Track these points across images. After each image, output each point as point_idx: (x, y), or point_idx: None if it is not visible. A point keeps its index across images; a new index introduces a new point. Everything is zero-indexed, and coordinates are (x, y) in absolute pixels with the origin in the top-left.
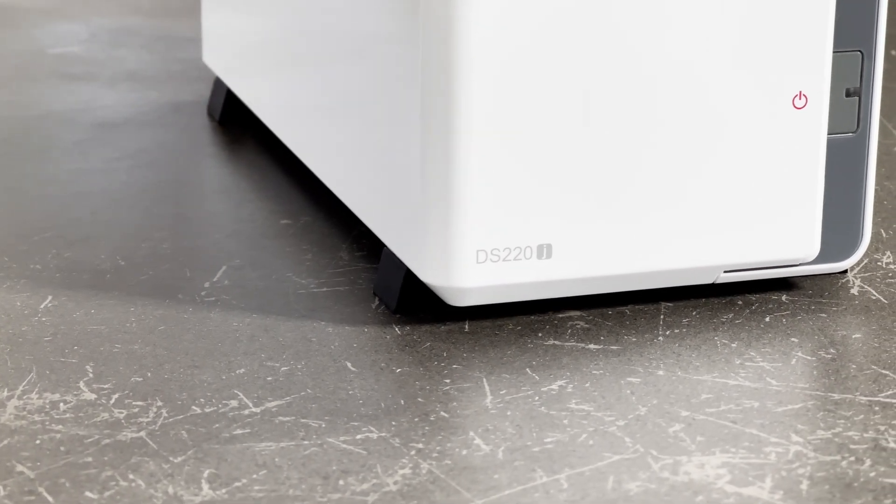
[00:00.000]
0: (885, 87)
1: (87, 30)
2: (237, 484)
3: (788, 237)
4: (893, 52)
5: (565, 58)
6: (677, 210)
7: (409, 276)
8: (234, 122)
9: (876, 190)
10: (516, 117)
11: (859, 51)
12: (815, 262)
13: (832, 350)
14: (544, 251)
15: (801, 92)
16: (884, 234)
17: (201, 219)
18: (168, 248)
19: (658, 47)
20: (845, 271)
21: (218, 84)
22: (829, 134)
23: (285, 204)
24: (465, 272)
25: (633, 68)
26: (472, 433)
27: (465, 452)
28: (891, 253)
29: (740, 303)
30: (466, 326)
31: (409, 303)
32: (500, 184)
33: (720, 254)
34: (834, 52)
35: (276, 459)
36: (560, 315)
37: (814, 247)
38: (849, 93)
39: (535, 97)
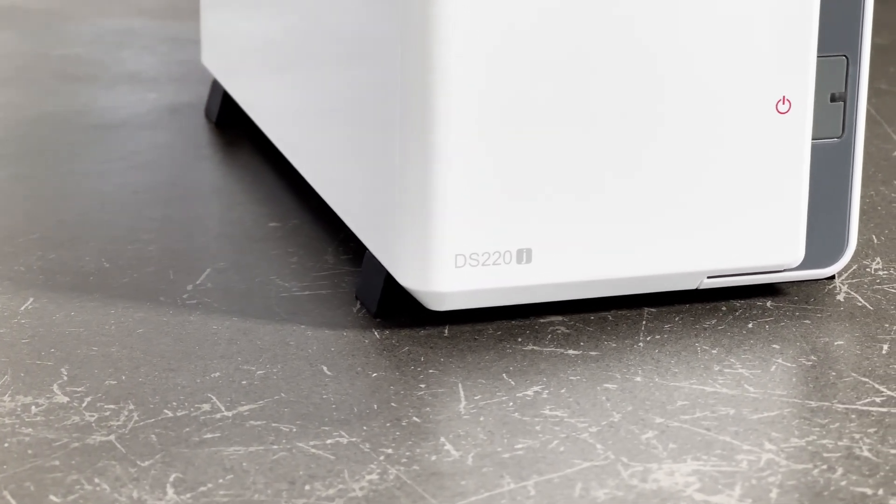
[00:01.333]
0: (887, 92)
1: (92, 31)
2: (202, 489)
3: (772, 243)
4: None
5: (545, 62)
6: (659, 215)
7: (390, 280)
8: (230, 124)
9: (871, 195)
10: (495, 121)
11: (844, 55)
12: (800, 268)
13: (813, 357)
14: (524, 256)
15: (784, 97)
16: (875, 240)
17: (189, 221)
18: (154, 250)
19: (640, 52)
20: (833, 277)
21: (215, 86)
22: (813, 139)
23: (275, 206)
24: (443, 276)
25: (615, 72)
26: (442, 439)
27: (434, 458)
28: (881, 259)
29: (724, 309)
30: (446, 331)
31: (390, 307)
32: (479, 188)
33: (703, 259)
34: (818, 56)
35: (244, 464)
36: (542, 320)
37: (798, 253)
38: (834, 98)
39: (514, 101)
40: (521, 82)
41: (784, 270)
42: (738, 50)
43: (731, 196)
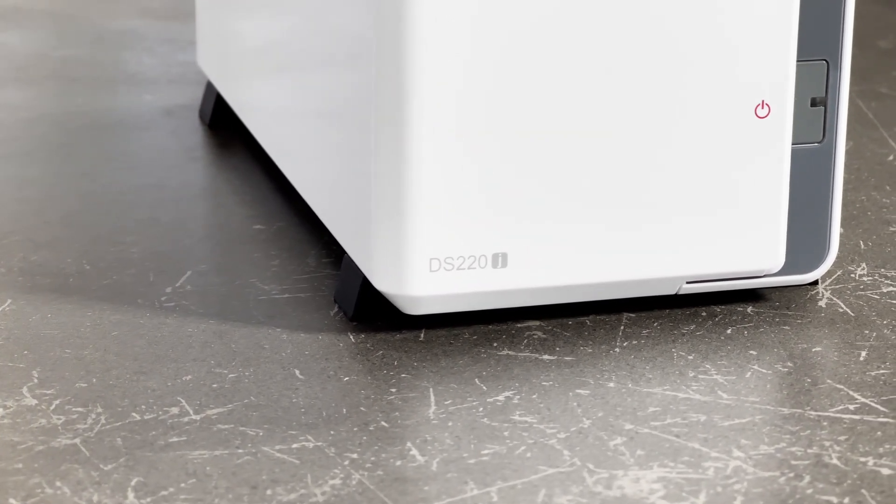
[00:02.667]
0: (887, 95)
1: (94, 32)
2: (163, 493)
3: (752, 248)
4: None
5: (522, 65)
6: (637, 219)
7: (367, 284)
8: (224, 126)
9: (861, 200)
10: (470, 125)
11: (825, 60)
12: (781, 273)
13: (789, 364)
14: (499, 260)
15: (763, 101)
16: (862, 246)
17: (174, 223)
18: (136, 252)
19: (619, 56)
20: (816, 283)
21: (209, 88)
22: (793, 144)
23: (262, 209)
24: (417, 280)
25: (592, 75)
26: (409, 444)
27: (399, 463)
28: (866, 265)
29: (704, 314)
30: (422, 335)
31: (367, 310)
32: (454, 192)
33: (682, 265)
34: (799, 61)
35: (208, 468)
36: (519, 325)
37: (778, 258)
38: (814, 102)
39: (490, 104)
40: (496, 85)
41: (764, 276)
42: (717, 55)
43: (711, 201)
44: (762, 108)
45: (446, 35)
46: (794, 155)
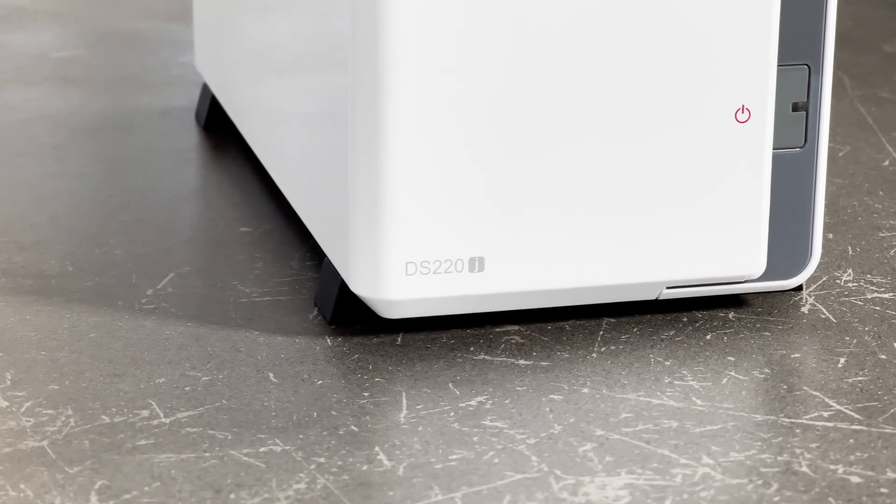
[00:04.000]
0: (887, 100)
1: (95, 33)
2: (126, 496)
3: (733, 254)
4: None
5: (498, 70)
6: (616, 224)
7: (345, 287)
8: (218, 127)
9: (853, 205)
10: (446, 128)
11: (806, 65)
12: (763, 279)
13: (766, 370)
14: (476, 264)
15: (743, 106)
16: (850, 251)
17: (161, 225)
18: (120, 254)
19: (596, 59)
20: (801, 288)
21: (205, 89)
22: (775, 149)
23: (250, 211)
24: (394, 284)
25: (569, 79)
26: (377, 448)
27: (365, 468)
28: (852, 271)
29: (685, 319)
30: (399, 339)
31: (346, 314)
32: (430, 195)
33: (661, 270)
34: (780, 66)
35: (173, 472)
36: (497, 329)
37: (759, 264)
38: (796, 107)
39: (466, 108)
40: (472, 89)
41: (745, 282)
42: (697, 59)
43: (691, 205)
44: (742, 112)
45: (422, 40)
46: (776, 160)
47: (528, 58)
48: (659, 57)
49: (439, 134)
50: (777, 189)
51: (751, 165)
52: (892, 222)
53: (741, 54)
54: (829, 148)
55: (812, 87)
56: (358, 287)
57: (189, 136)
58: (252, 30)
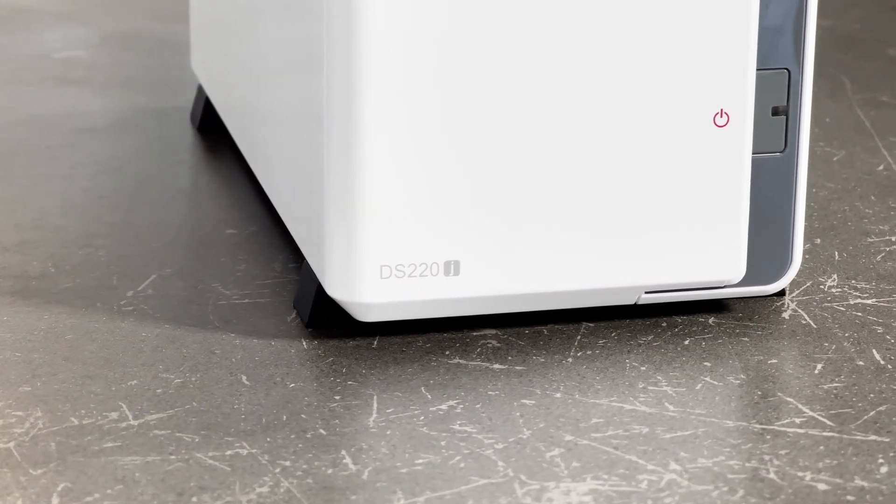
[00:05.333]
0: (887, 104)
1: (99, 34)
2: (88, 499)
3: (712, 258)
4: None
5: (475, 70)
6: (593, 228)
7: (323, 290)
8: (212, 129)
9: (844, 210)
10: (421, 130)
11: (786, 69)
12: (743, 284)
13: (742, 376)
14: (451, 268)
15: (722, 110)
16: (836, 257)
17: (147, 226)
18: (103, 255)
19: (574, 61)
20: (783, 293)
21: (200, 91)
22: (754, 153)
23: (238, 213)
24: (368, 287)
25: (547, 82)
26: (343, 452)
27: (330, 472)
28: (837, 276)
29: (664, 324)
30: (375, 342)
31: (323, 317)
32: (405, 198)
33: (640, 274)
34: (759, 69)
35: (137, 474)
36: (474, 333)
37: (738, 269)
38: (776, 111)
39: (441, 109)
40: (448, 90)
41: (725, 287)
42: (675, 62)
43: (669, 210)
44: (721, 116)
45: (396, 43)
46: (756, 164)
47: (505, 61)
48: (637, 60)
49: (414, 137)
50: (757, 194)
51: (730, 170)
52: (881, 227)
53: (719, 58)
54: (824, 152)
55: (792, 91)
56: (333, 290)
57: (183, 138)
58: (238, 32)
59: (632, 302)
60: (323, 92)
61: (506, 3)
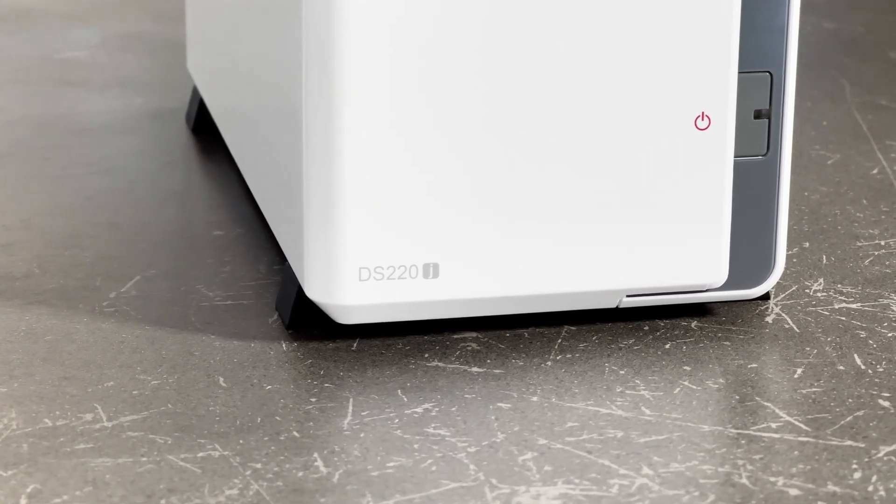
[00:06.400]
0: (886, 108)
1: (100, 35)
2: (56, 500)
3: (694, 262)
4: (892, 55)
5: (454, 73)
6: (574, 231)
7: (304, 292)
8: (207, 130)
9: (835, 213)
10: (400, 133)
11: (768, 72)
12: (725, 288)
13: (721, 380)
14: (430, 270)
15: (703, 113)
16: (824, 260)
17: (134, 227)
18: (88, 256)
19: (555, 63)
20: (768, 297)
21: (195, 92)
22: (737, 157)
23: (227, 214)
24: (347, 289)
25: (527, 84)
26: (315, 454)
27: (301, 474)
28: (823, 280)
29: (646, 328)
30: (355, 345)
31: (304, 319)
32: (384, 201)
33: (621, 278)
34: (741, 72)
35: (107, 476)
36: (455, 336)
37: (720, 273)
38: (758, 115)
39: (420, 111)
40: (427, 92)
41: (707, 290)
42: (655, 65)
43: (651, 213)
44: (702, 119)
45: (373, 49)
46: (738, 168)
47: (484, 64)
48: (617, 63)
49: (393, 140)
50: (740, 197)
51: (711, 173)
52: (871, 231)
53: (701, 60)
54: (819, 155)
55: (774, 94)
56: (313, 292)
57: (177, 139)
58: (227, 35)
59: (613, 305)
60: (302, 94)
61: (485, 7)
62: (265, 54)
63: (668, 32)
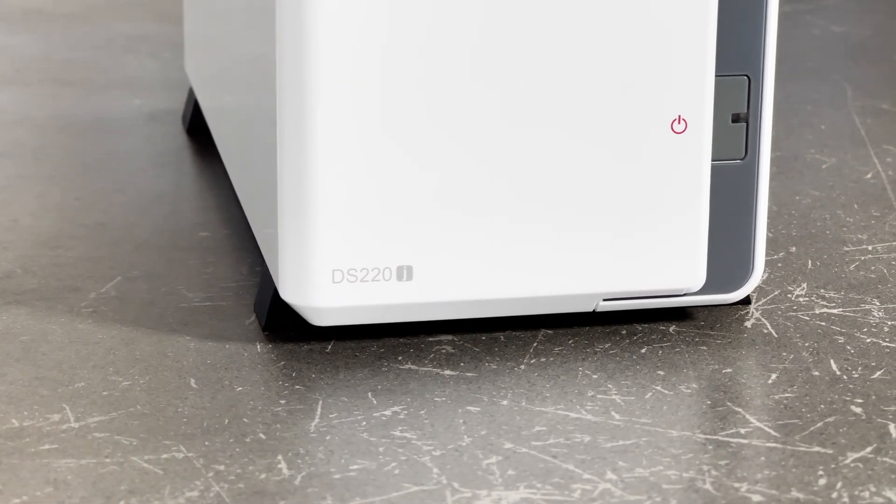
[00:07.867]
0: (887, 112)
1: (104, 36)
2: (16, 500)
3: (671, 266)
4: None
5: (427, 76)
6: (549, 234)
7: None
8: (202, 131)
9: (825, 218)
10: (373, 134)
11: (746, 75)
12: (703, 292)
13: (694, 385)
14: (404, 273)
15: (680, 116)
16: (809, 265)
17: (120, 228)
18: (72, 257)
19: (529, 64)
20: (749, 302)
21: (191, 93)
22: (714, 160)
23: (215, 216)
24: (320, 292)
25: (502, 85)
26: (279, 457)
27: (263, 477)
28: (806, 285)
29: (623, 332)
30: (329, 347)
31: (280, 320)
32: (357, 203)
33: (597, 281)
34: (719, 76)
35: (69, 477)
36: (430, 339)
37: (698, 277)
38: (736, 118)
39: (394, 112)
40: (400, 94)
41: (684, 295)
42: (631, 67)
43: (627, 217)
44: (679, 123)
45: (346, 49)
46: (715, 171)
47: (456, 66)
48: (593, 64)
49: (366, 141)
50: (717, 202)
51: (688, 177)
52: (859, 236)
53: (677, 62)
54: (815, 159)
55: (752, 97)
56: (287, 294)
57: (172, 140)
58: (215, 37)
59: (590, 309)
60: (276, 97)
61: (457, 7)
62: (245, 56)
63: (644, 35)
